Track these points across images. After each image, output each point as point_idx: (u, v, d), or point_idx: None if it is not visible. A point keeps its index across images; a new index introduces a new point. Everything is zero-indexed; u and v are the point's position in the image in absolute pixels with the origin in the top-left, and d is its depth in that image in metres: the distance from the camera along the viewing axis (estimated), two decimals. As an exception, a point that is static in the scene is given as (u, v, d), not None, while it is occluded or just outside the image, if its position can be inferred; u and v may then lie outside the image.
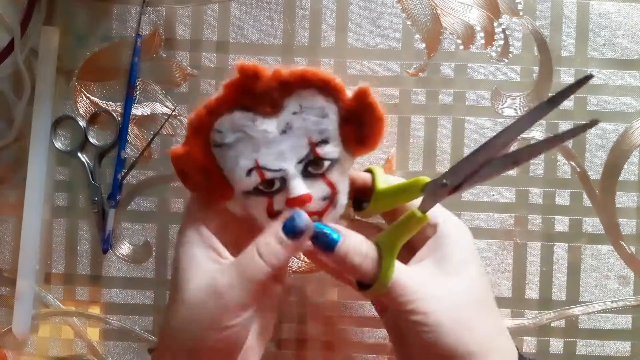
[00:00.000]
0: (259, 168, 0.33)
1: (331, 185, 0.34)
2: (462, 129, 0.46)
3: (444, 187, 0.32)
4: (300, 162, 0.33)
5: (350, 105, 0.34)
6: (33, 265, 0.45)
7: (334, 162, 0.34)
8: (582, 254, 0.46)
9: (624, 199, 0.45)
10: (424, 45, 0.46)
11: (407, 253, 0.35)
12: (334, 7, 0.46)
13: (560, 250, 0.46)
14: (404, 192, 0.35)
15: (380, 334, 0.46)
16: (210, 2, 0.46)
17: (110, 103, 0.46)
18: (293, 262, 0.46)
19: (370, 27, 0.46)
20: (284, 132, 0.33)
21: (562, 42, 0.46)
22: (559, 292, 0.45)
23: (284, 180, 0.34)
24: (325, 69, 0.46)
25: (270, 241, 0.33)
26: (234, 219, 0.36)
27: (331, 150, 0.34)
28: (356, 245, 0.33)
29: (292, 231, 0.33)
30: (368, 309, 0.46)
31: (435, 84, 0.46)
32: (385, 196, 0.36)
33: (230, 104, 0.33)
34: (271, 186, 0.34)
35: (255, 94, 0.33)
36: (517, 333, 0.45)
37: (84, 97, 0.46)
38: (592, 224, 0.46)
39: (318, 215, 0.34)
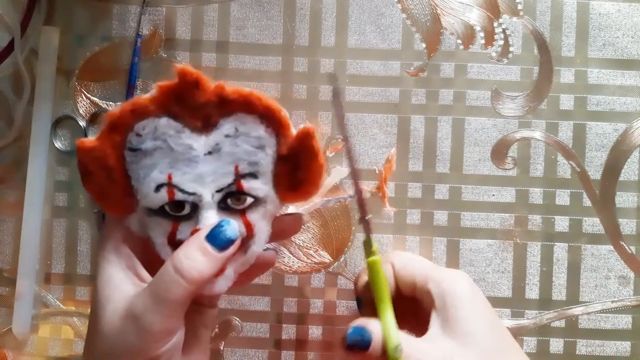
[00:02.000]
0: (170, 185, 0.29)
1: (249, 226, 0.31)
2: (462, 129, 0.46)
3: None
4: (219, 190, 0.30)
5: (292, 144, 0.30)
6: (33, 265, 0.45)
7: (258, 201, 0.30)
8: (582, 254, 0.46)
9: (624, 199, 0.45)
10: (424, 45, 0.46)
11: (425, 324, 0.34)
12: (334, 7, 0.46)
13: (560, 250, 0.46)
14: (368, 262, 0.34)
15: (380, 334, 0.46)
16: (210, 2, 0.46)
17: (110, 103, 0.46)
18: (293, 262, 0.46)
19: (370, 27, 0.46)
20: (209, 153, 0.30)
21: (562, 42, 0.46)
22: (559, 292, 0.45)
23: (196, 207, 0.30)
24: (325, 66, 0.46)
25: (191, 253, 0.29)
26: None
27: (258, 186, 0.30)
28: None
29: (219, 241, 0.29)
30: (368, 309, 0.46)
31: (435, 84, 0.46)
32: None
33: (160, 108, 0.30)
34: (179, 209, 0.30)
35: (190, 105, 0.29)
36: (517, 333, 0.45)
37: (84, 97, 0.46)
38: (592, 224, 0.46)
39: None
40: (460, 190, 0.46)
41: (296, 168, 0.31)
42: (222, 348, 0.46)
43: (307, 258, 0.46)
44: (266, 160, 0.30)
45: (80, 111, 0.46)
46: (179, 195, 0.29)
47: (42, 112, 0.45)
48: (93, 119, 0.46)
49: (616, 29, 0.46)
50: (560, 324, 0.45)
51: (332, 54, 0.46)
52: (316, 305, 0.46)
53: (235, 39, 0.46)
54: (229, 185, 0.30)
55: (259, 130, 0.30)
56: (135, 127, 0.30)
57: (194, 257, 0.29)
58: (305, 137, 0.30)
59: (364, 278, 0.37)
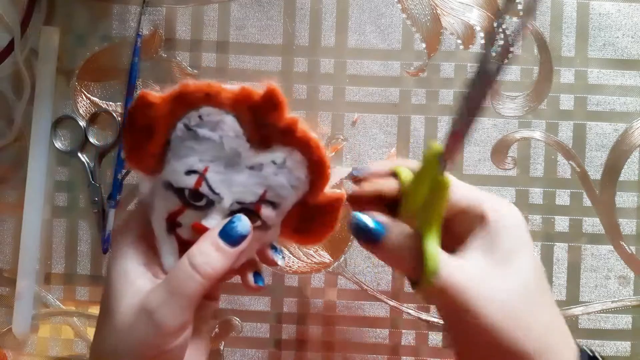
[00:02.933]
0: (202, 177, 0.30)
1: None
2: (462, 129, 0.46)
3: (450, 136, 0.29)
4: (239, 203, 0.31)
5: (320, 200, 0.32)
6: (33, 265, 0.45)
7: (263, 227, 0.31)
8: (582, 254, 0.46)
9: (624, 199, 0.45)
10: (424, 45, 0.46)
11: (453, 244, 0.32)
12: (334, 7, 0.46)
13: (560, 250, 0.46)
14: (426, 173, 0.30)
15: (380, 334, 0.46)
16: (210, 2, 0.46)
17: (110, 103, 0.46)
18: (293, 262, 0.46)
19: (370, 27, 0.46)
20: (251, 168, 0.30)
21: (562, 42, 0.46)
22: (559, 292, 0.45)
23: (210, 205, 0.30)
24: (325, 66, 0.46)
25: (205, 249, 0.29)
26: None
27: (272, 216, 0.31)
28: (401, 239, 0.30)
29: (231, 236, 0.30)
30: (368, 309, 0.46)
31: (435, 84, 0.46)
32: (414, 191, 0.31)
33: (232, 106, 0.30)
34: (196, 199, 0.30)
35: (260, 120, 0.30)
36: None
37: (84, 97, 0.46)
38: (592, 224, 0.46)
39: None
40: (460, 190, 0.46)
41: (311, 219, 0.33)
42: (222, 348, 0.46)
43: (307, 258, 0.46)
44: (291, 199, 0.32)
45: (80, 111, 0.46)
46: (204, 189, 0.30)
47: (42, 112, 0.45)
48: (93, 119, 0.46)
49: (616, 29, 0.46)
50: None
51: (332, 54, 0.46)
52: (316, 305, 0.46)
53: (235, 39, 0.46)
54: (250, 203, 0.31)
55: (301, 173, 0.31)
56: (202, 110, 0.30)
57: (208, 253, 0.29)
58: (336, 202, 0.32)
59: (405, 177, 0.33)
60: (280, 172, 0.31)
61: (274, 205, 0.31)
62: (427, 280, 0.29)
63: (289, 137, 0.30)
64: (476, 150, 0.46)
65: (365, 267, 0.46)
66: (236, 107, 0.30)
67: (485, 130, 0.46)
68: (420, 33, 0.46)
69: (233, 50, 0.46)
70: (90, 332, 0.46)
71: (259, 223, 0.31)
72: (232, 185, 0.30)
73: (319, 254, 0.46)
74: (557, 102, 0.46)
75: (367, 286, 0.46)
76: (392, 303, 0.45)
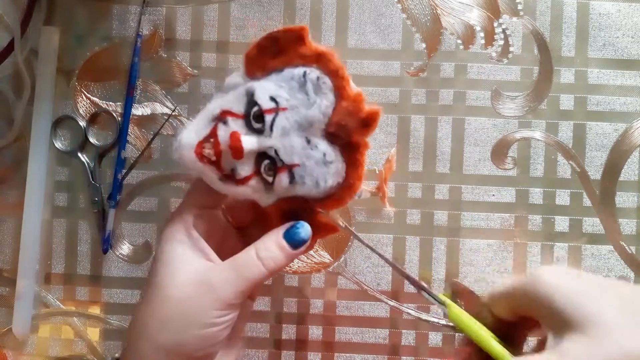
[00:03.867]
0: (276, 110, 0.32)
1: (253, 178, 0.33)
2: (462, 129, 0.46)
3: None
4: (275, 152, 0.32)
5: (321, 217, 0.34)
6: (33, 265, 0.45)
7: (268, 187, 0.33)
8: (582, 254, 0.46)
9: (624, 199, 0.45)
10: (424, 45, 0.46)
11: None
12: (334, 7, 0.46)
13: (560, 250, 0.46)
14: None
15: (381, 334, 0.46)
16: (210, 2, 0.46)
17: (110, 103, 0.46)
18: (293, 262, 0.46)
19: (370, 27, 0.46)
20: (308, 142, 0.33)
21: (562, 42, 0.46)
22: (559, 292, 0.45)
23: (259, 132, 0.33)
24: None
25: (271, 246, 0.33)
26: (221, 228, 0.35)
27: (282, 186, 0.33)
28: None
29: (293, 240, 0.33)
30: (368, 309, 0.46)
31: (435, 84, 0.46)
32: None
33: (341, 96, 0.33)
34: (257, 120, 0.33)
35: (347, 127, 0.32)
36: (517, 333, 0.45)
37: (84, 97, 0.46)
38: (592, 224, 0.46)
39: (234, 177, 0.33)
40: (460, 190, 0.46)
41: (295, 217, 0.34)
42: (222, 348, 0.46)
43: (307, 258, 0.46)
44: (307, 191, 0.33)
45: (80, 111, 0.46)
46: (268, 119, 0.32)
47: (42, 112, 0.45)
48: (93, 119, 0.46)
49: (616, 29, 0.46)
50: None
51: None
52: (316, 305, 0.46)
53: (235, 39, 0.46)
54: (281, 161, 0.32)
55: (332, 183, 0.33)
56: (324, 77, 0.33)
57: (272, 250, 0.33)
58: (330, 230, 0.34)
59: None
60: (322, 166, 0.32)
61: (292, 180, 0.33)
62: None
63: (350, 153, 0.33)
64: (476, 150, 0.46)
65: (365, 267, 0.46)
66: (344, 99, 0.33)
67: (485, 130, 0.46)
68: (420, 33, 0.46)
69: (233, 50, 0.46)
70: (90, 332, 0.46)
71: (270, 180, 0.33)
72: (285, 137, 0.32)
73: (319, 254, 0.46)
74: (557, 102, 0.46)
75: (367, 286, 0.46)
76: (392, 303, 0.45)
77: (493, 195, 0.46)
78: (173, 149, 0.34)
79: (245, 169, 0.33)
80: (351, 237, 0.46)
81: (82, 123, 0.46)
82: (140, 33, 0.46)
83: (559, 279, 0.32)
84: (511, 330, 0.36)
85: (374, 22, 0.46)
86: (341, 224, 0.35)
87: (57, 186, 0.46)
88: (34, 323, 0.46)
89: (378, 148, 0.46)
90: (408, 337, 0.46)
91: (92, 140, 0.46)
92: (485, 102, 0.46)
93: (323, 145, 0.33)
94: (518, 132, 0.46)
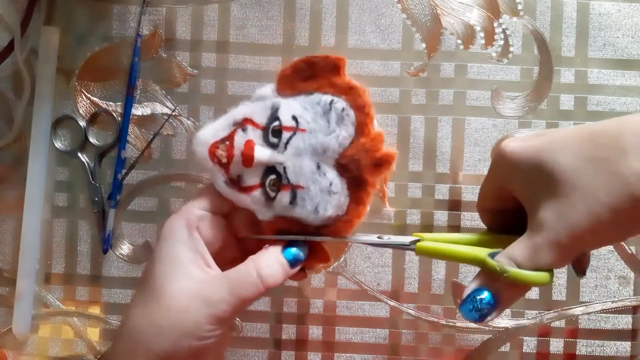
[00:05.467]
0: (295, 129, 0.33)
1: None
2: (462, 129, 0.46)
3: None
4: (284, 169, 0.33)
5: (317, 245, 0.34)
6: (33, 265, 0.45)
7: (268, 199, 0.34)
8: (582, 254, 0.46)
9: (624, 199, 0.45)
10: (424, 45, 0.46)
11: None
12: (334, 7, 0.46)
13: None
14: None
15: (381, 334, 0.46)
16: (210, 2, 0.46)
17: (110, 103, 0.46)
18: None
19: (370, 27, 0.46)
20: (318, 167, 0.33)
21: (562, 42, 0.46)
22: (559, 292, 0.45)
23: (273, 147, 0.33)
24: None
25: (272, 263, 0.33)
26: (224, 235, 0.35)
27: (281, 203, 0.33)
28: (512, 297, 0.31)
29: (292, 258, 0.33)
30: (368, 309, 0.46)
31: (435, 84, 0.46)
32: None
33: (361, 133, 0.33)
34: (274, 134, 0.33)
35: (359, 162, 0.33)
36: (517, 333, 0.45)
37: (84, 97, 0.46)
38: (592, 224, 0.46)
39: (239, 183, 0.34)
40: (460, 190, 0.46)
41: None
42: (222, 348, 0.46)
43: (307, 258, 0.46)
44: (304, 215, 0.33)
45: (80, 111, 0.46)
46: (285, 136, 0.33)
47: (42, 112, 0.45)
48: (93, 119, 0.46)
49: (616, 29, 0.46)
50: (560, 324, 0.45)
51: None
52: (316, 305, 0.46)
53: (235, 39, 0.46)
54: (287, 179, 0.33)
55: (331, 213, 0.33)
56: (349, 110, 0.33)
57: (273, 268, 0.33)
58: (322, 260, 0.35)
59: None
60: (326, 195, 0.33)
61: (292, 201, 0.33)
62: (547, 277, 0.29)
63: (357, 189, 0.33)
64: (476, 150, 0.46)
65: (365, 267, 0.46)
66: (363, 136, 0.33)
67: (485, 130, 0.46)
68: (420, 33, 0.46)
69: (233, 50, 0.46)
70: (90, 332, 0.46)
71: (272, 195, 0.33)
72: (297, 157, 0.33)
73: (319, 254, 0.46)
74: (557, 102, 0.46)
75: (367, 286, 0.46)
76: (392, 303, 0.45)
77: (493, 195, 0.46)
78: (192, 144, 0.35)
79: (251, 179, 0.34)
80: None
81: (82, 123, 0.46)
82: (140, 33, 0.46)
83: (518, 143, 0.31)
84: (518, 223, 0.33)
85: (374, 22, 0.46)
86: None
87: (57, 186, 0.46)
88: (34, 323, 0.46)
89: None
90: (408, 337, 0.46)
91: (92, 140, 0.46)
92: (485, 102, 0.46)
93: (331, 175, 0.33)
94: (518, 132, 0.46)
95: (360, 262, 0.46)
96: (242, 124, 0.34)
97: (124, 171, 0.46)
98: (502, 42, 0.45)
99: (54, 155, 0.46)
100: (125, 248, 0.46)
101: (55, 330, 0.46)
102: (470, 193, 0.46)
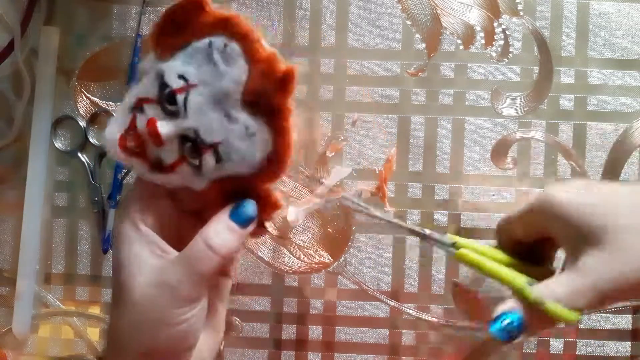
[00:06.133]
0: (187, 88, 0.30)
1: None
2: (462, 129, 0.46)
3: None
4: (194, 132, 0.30)
5: (260, 189, 0.32)
6: (33, 265, 0.45)
7: (197, 171, 0.31)
8: (582, 254, 0.45)
9: (624, 199, 0.45)
10: (424, 45, 0.46)
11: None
12: (334, 7, 0.46)
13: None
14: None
15: (380, 334, 0.46)
16: (210, 2, 0.46)
17: (110, 103, 0.46)
18: (293, 262, 0.46)
19: (370, 27, 0.46)
20: (226, 115, 0.31)
21: (562, 42, 0.46)
22: (559, 292, 0.45)
23: (174, 115, 0.31)
24: (325, 66, 0.46)
25: (220, 230, 0.31)
26: (173, 216, 0.34)
27: (210, 167, 0.31)
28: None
29: (242, 218, 0.32)
30: (368, 309, 0.46)
31: (435, 84, 0.46)
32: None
33: (256, 61, 0.30)
34: (169, 102, 0.31)
35: (266, 91, 0.30)
36: (517, 333, 0.45)
37: (84, 97, 0.46)
38: (592, 224, 0.46)
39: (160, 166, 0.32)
40: (460, 190, 0.46)
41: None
42: (222, 348, 0.46)
43: (307, 258, 0.46)
44: (236, 168, 0.31)
45: (80, 111, 0.46)
46: (180, 99, 0.30)
47: (42, 112, 0.45)
48: (93, 119, 0.46)
49: (616, 29, 0.46)
50: (560, 324, 0.45)
51: (332, 54, 0.46)
52: (316, 305, 0.46)
53: (235, 39, 0.46)
54: (201, 141, 0.30)
55: (261, 155, 0.31)
56: (232, 43, 0.30)
57: (222, 234, 0.31)
58: (273, 205, 0.32)
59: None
60: (245, 139, 0.30)
61: (218, 159, 0.31)
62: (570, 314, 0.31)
63: (274, 120, 0.30)
64: (476, 150, 0.46)
65: (365, 267, 0.46)
66: (256, 63, 0.30)
67: (485, 130, 0.46)
68: (420, 33, 0.46)
69: (233, 50, 0.46)
70: (91, 332, 0.46)
71: (196, 163, 0.31)
72: (202, 115, 0.30)
73: (319, 254, 0.46)
74: (557, 102, 0.46)
75: (367, 286, 0.46)
76: (392, 303, 0.45)
77: (493, 195, 0.46)
78: (104, 146, 0.33)
79: (170, 156, 0.32)
80: (351, 237, 0.46)
81: (82, 123, 0.46)
82: (140, 33, 0.46)
83: (570, 193, 0.33)
84: (537, 251, 0.36)
85: (374, 22, 0.46)
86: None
87: (57, 186, 0.46)
88: (34, 323, 0.46)
89: (378, 148, 0.46)
90: (408, 337, 0.46)
91: (92, 140, 0.46)
92: (485, 102, 0.46)
93: (244, 117, 0.30)
94: (518, 132, 0.46)
95: (360, 262, 0.46)
96: (137, 105, 0.32)
97: (124, 171, 0.46)
98: (502, 42, 0.45)
99: (54, 155, 0.46)
100: (125, 248, 0.46)
101: (55, 330, 0.46)
102: (470, 193, 0.46)
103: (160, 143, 0.31)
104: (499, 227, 0.37)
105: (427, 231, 0.35)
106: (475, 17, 0.45)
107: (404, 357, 0.46)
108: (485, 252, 0.35)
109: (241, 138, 0.30)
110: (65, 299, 0.46)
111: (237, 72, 0.30)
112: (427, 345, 0.46)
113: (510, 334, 0.31)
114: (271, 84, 0.30)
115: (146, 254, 0.32)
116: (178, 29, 0.32)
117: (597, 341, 0.45)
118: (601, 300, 0.31)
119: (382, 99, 0.46)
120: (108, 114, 0.46)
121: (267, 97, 0.30)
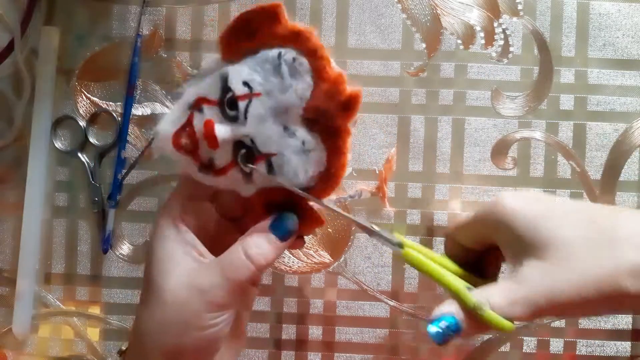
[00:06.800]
0: (250, 95, 0.31)
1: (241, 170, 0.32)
2: (462, 129, 0.46)
3: None
4: (251, 141, 0.31)
5: (304, 204, 0.32)
6: (33, 265, 0.46)
7: (248, 178, 0.32)
8: (582, 254, 0.45)
9: (624, 199, 0.45)
10: (424, 45, 0.46)
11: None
12: (334, 7, 0.46)
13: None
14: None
15: (380, 334, 0.46)
16: (210, 2, 0.46)
17: (110, 103, 0.46)
18: (293, 262, 0.46)
19: (370, 27, 0.46)
20: (285, 129, 0.31)
21: (562, 42, 0.46)
22: (559, 292, 0.45)
23: (233, 120, 0.31)
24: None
25: (260, 242, 0.32)
26: (212, 220, 0.35)
27: (261, 176, 0.32)
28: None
29: (281, 232, 0.32)
30: (368, 309, 0.46)
31: (435, 84, 0.46)
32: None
33: (321, 80, 0.30)
34: (230, 106, 0.31)
35: (328, 111, 0.30)
36: (516, 333, 0.45)
37: (84, 97, 0.46)
38: (592, 224, 0.46)
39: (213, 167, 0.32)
40: (460, 190, 0.46)
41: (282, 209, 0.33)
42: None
43: (307, 258, 0.46)
44: (286, 178, 0.31)
45: (80, 111, 0.46)
46: (242, 106, 0.30)
47: (42, 112, 0.45)
48: (93, 119, 0.46)
49: (616, 29, 0.46)
50: (561, 324, 0.45)
51: (332, 54, 0.46)
52: (316, 305, 0.46)
53: (235, 39, 0.46)
54: (257, 150, 0.31)
55: (312, 172, 0.31)
56: (300, 58, 0.30)
57: (262, 246, 0.32)
58: (315, 223, 0.33)
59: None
60: (301, 154, 0.31)
61: (270, 170, 0.31)
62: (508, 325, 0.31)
63: (332, 140, 0.31)
64: (476, 150, 0.46)
65: (365, 267, 0.46)
66: (322, 81, 0.30)
67: (485, 130, 0.46)
68: (420, 33, 0.46)
69: (233, 50, 0.46)
70: (90, 332, 0.46)
71: (248, 170, 0.31)
72: (261, 125, 0.31)
73: (319, 254, 0.46)
74: (557, 102, 0.46)
75: (367, 286, 0.46)
76: (392, 303, 0.45)
77: (493, 195, 0.46)
78: (153, 140, 0.33)
79: (222, 159, 0.32)
80: (351, 237, 0.46)
81: (82, 123, 0.46)
82: (140, 33, 0.46)
83: (518, 202, 0.33)
84: (484, 262, 0.36)
85: (374, 22, 0.46)
86: (333, 206, 0.33)
87: (57, 186, 0.46)
88: (34, 323, 0.46)
89: (378, 148, 0.46)
90: (408, 337, 0.46)
91: (92, 140, 0.46)
92: (485, 102, 0.46)
93: (302, 133, 0.31)
94: (518, 132, 0.46)
95: (360, 262, 0.46)
96: (197, 104, 0.32)
97: (124, 171, 0.46)
98: (502, 42, 0.45)
99: (54, 155, 0.46)
100: (125, 248, 0.46)
101: (55, 330, 0.47)
102: (470, 193, 0.46)
103: (215, 146, 0.31)
104: (446, 234, 0.38)
105: (376, 228, 0.35)
106: (475, 17, 0.45)
107: (403, 357, 0.46)
108: (434, 258, 0.35)
109: (296, 153, 0.31)
110: (65, 299, 0.46)
111: (302, 88, 0.30)
112: (427, 345, 0.46)
113: (445, 336, 0.32)
114: (335, 104, 0.30)
115: (180, 254, 0.32)
116: (249, 35, 0.32)
117: (597, 341, 0.45)
118: (534, 312, 0.31)
119: (382, 99, 0.46)
120: (108, 114, 0.46)
121: (328, 116, 0.30)
